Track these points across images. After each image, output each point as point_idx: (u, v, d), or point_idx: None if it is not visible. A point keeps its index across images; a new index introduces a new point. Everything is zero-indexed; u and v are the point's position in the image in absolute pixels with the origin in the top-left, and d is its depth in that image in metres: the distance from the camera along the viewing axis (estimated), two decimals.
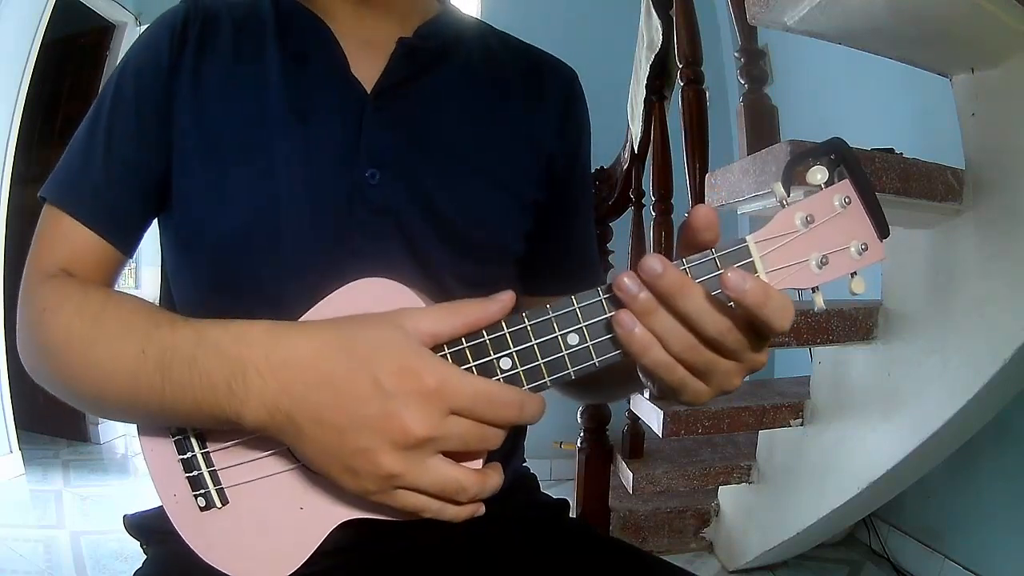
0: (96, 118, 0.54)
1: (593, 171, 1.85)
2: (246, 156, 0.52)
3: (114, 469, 2.71)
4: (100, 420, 2.96)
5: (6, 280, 2.17)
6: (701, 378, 0.40)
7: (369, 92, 0.55)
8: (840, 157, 0.41)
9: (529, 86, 0.63)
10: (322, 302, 0.45)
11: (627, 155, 1.78)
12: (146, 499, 0.50)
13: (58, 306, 0.47)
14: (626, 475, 1.68)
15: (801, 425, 1.48)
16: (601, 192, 1.83)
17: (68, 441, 2.95)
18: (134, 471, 2.68)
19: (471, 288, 0.56)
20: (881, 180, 1.06)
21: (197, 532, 0.46)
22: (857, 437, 1.35)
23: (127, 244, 0.55)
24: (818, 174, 0.40)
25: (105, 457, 2.86)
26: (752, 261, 0.40)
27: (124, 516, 0.60)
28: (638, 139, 1.71)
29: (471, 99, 0.59)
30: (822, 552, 1.81)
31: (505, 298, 0.41)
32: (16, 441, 2.51)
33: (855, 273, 0.41)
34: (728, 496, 1.78)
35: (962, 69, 1.14)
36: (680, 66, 1.47)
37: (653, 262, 0.37)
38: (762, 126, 1.41)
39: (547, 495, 0.68)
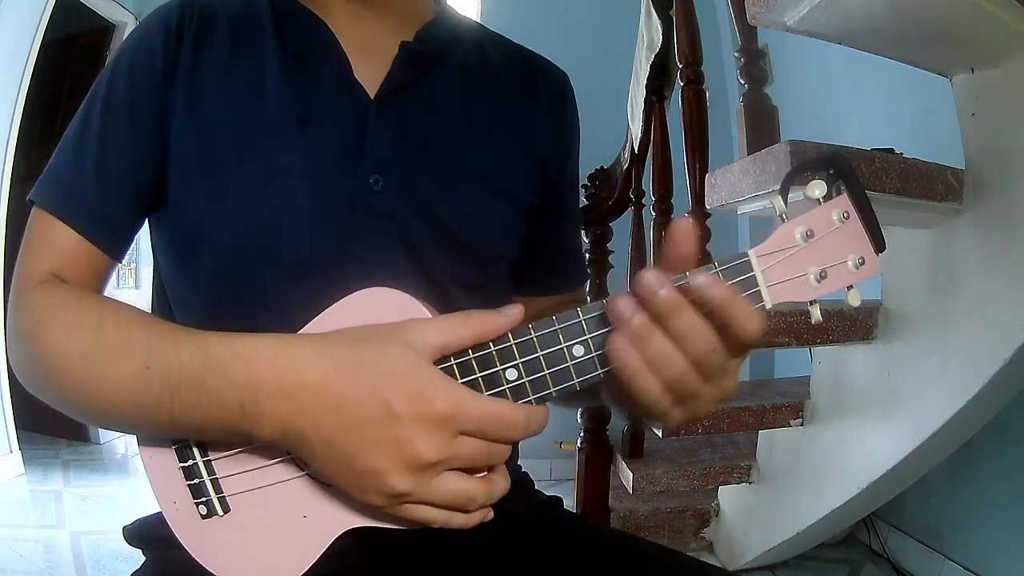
0: (87, 119, 0.52)
1: (593, 171, 1.87)
2: (245, 161, 0.51)
3: (114, 469, 2.71)
4: None
5: (5, 280, 2.17)
6: (681, 403, 0.41)
7: (372, 97, 0.54)
8: (839, 171, 0.42)
9: (523, 89, 0.63)
10: (326, 312, 0.45)
11: (627, 155, 1.78)
12: (146, 499, 0.50)
13: (53, 318, 0.45)
14: (626, 475, 1.68)
15: (801, 425, 1.48)
16: (601, 192, 1.83)
17: (68, 441, 2.95)
18: (134, 471, 2.68)
19: (470, 292, 0.56)
20: (881, 180, 1.06)
21: (198, 540, 0.46)
22: (857, 437, 1.35)
23: (118, 249, 0.54)
24: (816, 189, 0.41)
25: (105, 457, 2.86)
26: (753, 275, 0.41)
27: (123, 528, 0.59)
28: (638, 139, 1.71)
29: (469, 103, 0.59)
30: (822, 552, 1.81)
31: (513, 312, 0.41)
32: (16, 441, 2.51)
33: (851, 286, 0.42)
34: (728, 496, 1.78)
35: (962, 69, 1.14)
36: (680, 66, 1.47)
37: (651, 279, 0.38)
38: (762, 126, 1.41)
39: (541, 492, 0.68)
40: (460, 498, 0.40)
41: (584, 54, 2.52)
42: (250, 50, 0.54)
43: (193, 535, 0.46)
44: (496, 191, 0.58)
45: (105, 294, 0.52)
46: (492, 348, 0.41)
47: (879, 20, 1.01)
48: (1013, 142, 1.06)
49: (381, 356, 0.39)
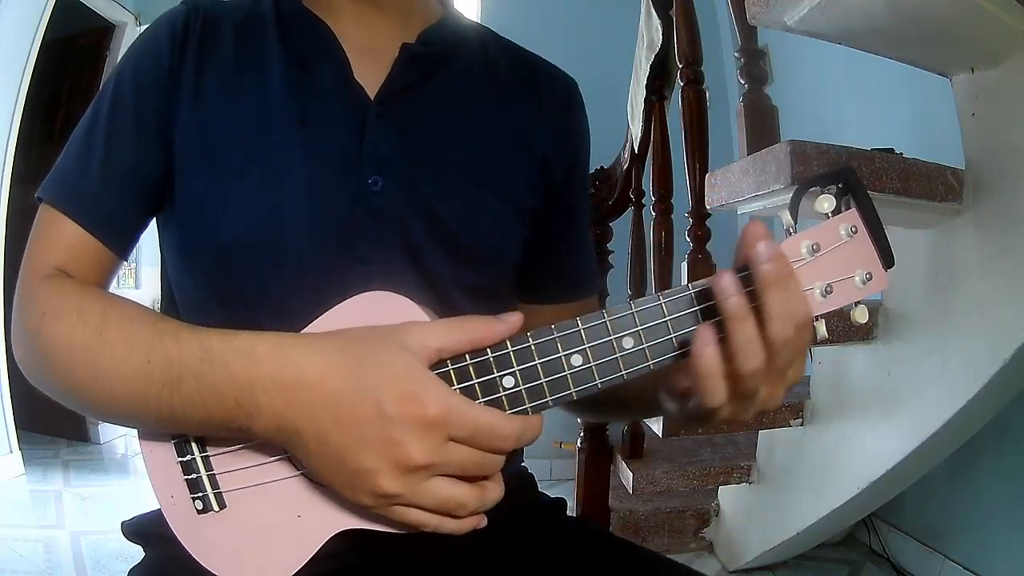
0: (95, 119, 0.53)
1: (593, 171, 1.87)
2: (248, 163, 0.51)
3: (114, 469, 2.71)
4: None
5: (6, 280, 2.17)
6: (742, 402, 0.41)
7: (372, 98, 0.54)
8: (847, 186, 0.41)
9: (528, 94, 0.63)
10: (327, 314, 0.45)
11: (627, 155, 1.78)
12: (146, 499, 0.50)
13: (58, 312, 0.46)
14: (626, 475, 1.68)
15: (801, 425, 1.48)
16: (601, 192, 1.83)
17: (68, 441, 2.95)
18: (134, 471, 2.68)
19: (471, 296, 0.56)
20: (881, 180, 1.06)
21: (193, 535, 0.46)
22: (857, 437, 1.35)
23: (123, 247, 0.54)
24: (825, 203, 0.41)
25: (105, 457, 2.86)
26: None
27: (122, 523, 0.59)
28: (638, 139, 1.72)
29: (471, 106, 0.59)
30: (822, 552, 1.81)
31: (513, 319, 0.41)
32: (16, 441, 2.51)
33: (859, 302, 0.41)
34: (728, 496, 1.78)
35: (962, 69, 1.14)
36: (680, 66, 1.47)
37: (763, 247, 0.38)
38: (762, 126, 1.41)
39: (544, 494, 0.68)
40: (450, 503, 0.40)
41: (584, 54, 2.52)
42: (254, 53, 0.55)
43: (189, 530, 0.46)
44: (496, 193, 0.58)
45: (112, 292, 0.53)
46: (489, 355, 0.41)
47: (879, 20, 1.01)
48: (1013, 142, 1.06)
49: (377, 357, 0.40)
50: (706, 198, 1.34)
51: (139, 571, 0.56)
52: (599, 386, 0.41)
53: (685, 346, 0.40)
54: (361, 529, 0.44)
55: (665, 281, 1.52)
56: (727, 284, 0.38)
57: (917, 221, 1.19)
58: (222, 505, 0.46)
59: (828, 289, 0.40)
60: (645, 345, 0.40)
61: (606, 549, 0.59)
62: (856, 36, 1.10)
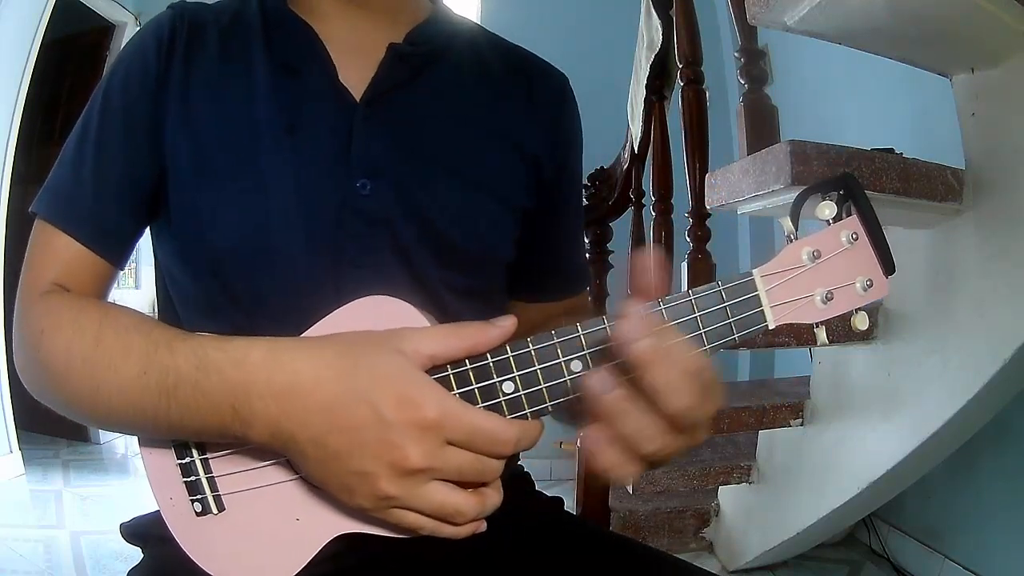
0: (85, 130, 0.53)
1: (593, 171, 1.87)
2: (237, 171, 0.51)
3: (114, 469, 2.71)
4: None
5: (6, 280, 2.17)
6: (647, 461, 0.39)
7: (359, 100, 0.54)
8: (849, 193, 0.41)
9: (519, 90, 0.62)
10: (327, 318, 0.45)
11: (627, 155, 1.78)
12: (146, 499, 0.50)
13: (56, 327, 0.46)
14: None
15: (801, 425, 1.48)
16: (601, 192, 1.84)
17: (68, 441, 2.95)
18: (134, 471, 2.68)
19: (463, 297, 0.56)
20: (881, 180, 1.06)
21: (192, 537, 0.46)
22: (857, 437, 1.35)
23: (119, 257, 0.55)
24: (826, 209, 0.40)
25: (105, 457, 2.86)
26: (757, 295, 0.40)
27: (121, 524, 0.59)
28: (638, 139, 1.72)
29: (461, 104, 0.59)
30: (822, 552, 1.81)
31: (507, 324, 0.41)
32: (16, 441, 2.51)
33: (859, 309, 0.41)
34: (728, 496, 1.78)
35: (962, 69, 1.14)
36: (680, 66, 1.47)
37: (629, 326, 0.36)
38: (762, 126, 1.41)
39: (542, 493, 0.68)
40: (447, 509, 0.40)
41: (584, 54, 2.52)
42: (240, 58, 0.55)
43: (187, 532, 0.46)
44: (487, 192, 0.57)
45: (108, 300, 0.53)
46: (489, 360, 0.41)
47: (879, 20, 1.00)
48: (1013, 142, 1.06)
49: (372, 361, 0.39)
50: (706, 198, 1.34)
51: (138, 572, 0.56)
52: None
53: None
54: (361, 533, 0.44)
55: None
56: (600, 381, 0.36)
57: (917, 221, 1.19)
58: (221, 508, 0.46)
59: (829, 296, 0.40)
60: None
61: (605, 546, 0.59)
62: (856, 36, 1.10)
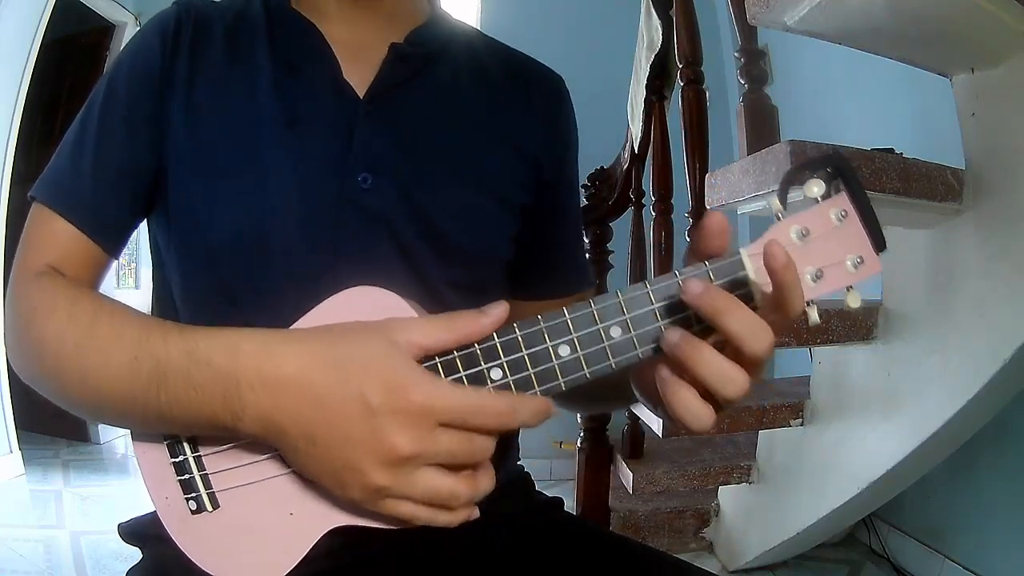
0: (87, 120, 0.54)
1: (593, 171, 1.87)
2: (239, 164, 0.52)
3: (114, 469, 2.71)
4: None
5: (5, 278, 2.17)
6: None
7: (361, 97, 0.55)
8: (837, 170, 0.40)
9: (515, 92, 0.63)
10: (314, 310, 0.45)
11: (627, 155, 1.78)
12: (146, 499, 0.50)
13: (50, 309, 0.46)
14: (626, 475, 1.68)
15: (801, 425, 1.48)
16: (601, 192, 1.83)
17: (68, 441, 2.95)
18: (134, 471, 2.67)
19: (462, 293, 0.56)
20: (881, 180, 1.06)
21: (188, 535, 0.46)
22: (857, 437, 1.35)
23: (115, 246, 0.55)
24: (815, 187, 0.40)
25: (105, 457, 2.86)
26: (746, 273, 0.40)
27: (119, 525, 0.59)
28: (638, 139, 1.71)
29: (459, 104, 0.60)
30: (822, 552, 1.81)
31: (497, 311, 0.41)
32: (16, 441, 2.51)
33: (851, 287, 0.40)
34: (728, 496, 1.78)
35: (962, 69, 1.14)
36: (680, 66, 1.47)
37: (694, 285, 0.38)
38: (762, 126, 1.41)
39: (542, 493, 0.68)
40: (442, 494, 0.40)
41: (584, 54, 2.52)
42: (244, 55, 0.55)
43: (183, 530, 0.46)
44: (485, 190, 0.58)
45: (103, 292, 0.53)
46: (476, 347, 0.41)
47: (879, 20, 1.01)
48: (1013, 142, 1.06)
49: (361, 351, 0.40)
50: (706, 198, 1.34)
51: (137, 572, 0.56)
52: (588, 376, 0.41)
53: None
54: (356, 529, 0.44)
55: None
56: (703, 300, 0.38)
57: (917, 221, 1.19)
58: (215, 505, 0.46)
59: (819, 274, 0.40)
60: (633, 334, 0.40)
61: (604, 546, 0.59)
62: (856, 36, 1.10)
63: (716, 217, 0.40)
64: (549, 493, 0.68)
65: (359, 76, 0.55)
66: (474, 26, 0.67)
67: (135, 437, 0.48)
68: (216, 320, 0.45)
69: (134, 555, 0.59)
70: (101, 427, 2.97)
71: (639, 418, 1.68)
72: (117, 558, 1.79)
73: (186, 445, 0.46)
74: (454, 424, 0.39)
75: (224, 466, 0.46)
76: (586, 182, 1.85)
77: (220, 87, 0.54)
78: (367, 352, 0.39)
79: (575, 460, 1.76)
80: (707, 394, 0.39)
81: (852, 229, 0.40)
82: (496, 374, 0.41)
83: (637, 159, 1.75)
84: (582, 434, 1.74)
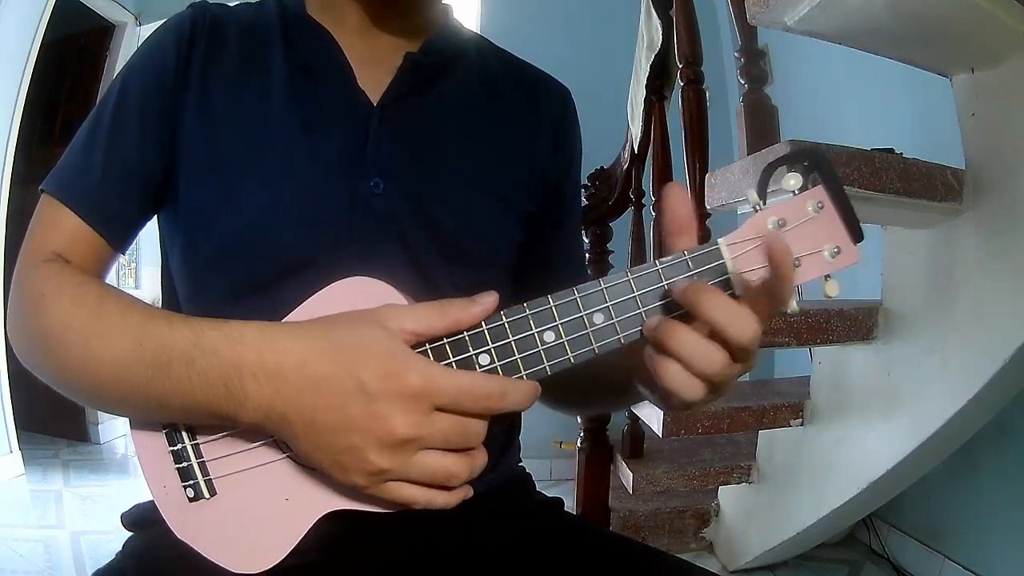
0: (100, 117, 0.55)
1: (593, 171, 1.87)
2: (251, 166, 0.53)
3: (114, 469, 2.71)
4: (100, 420, 2.96)
5: (5, 278, 2.17)
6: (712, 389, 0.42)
7: (375, 104, 0.56)
8: (814, 164, 0.42)
9: (524, 102, 0.65)
10: (309, 300, 0.46)
11: (627, 155, 1.78)
12: (146, 498, 0.50)
13: (56, 294, 0.47)
14: (626, 475, 1.68)
15: (801, 425, 1.48)
16: (601, 192, 1.83)
17: (68, 441, 2.95)
18: (134, 471, 2.68)
19: (466, 295, 0.57)
20: (881, 180, 1.06)
21: (186, 523, 0.47)
22: (857, 437, 1.35)
23: (121, 241, 0.56)
24: (792, 180, 0.41)
25: (105, 457, 2.86)
26: (724, 263, 0.41)
27: (121, 515, 0.60)
28: (638, 139, 1.71)
29: (470, 113, 0.61)
30: (822, 552, 1.81)
31: (488, 300, 0.42)
32: (16, 441, 2.51)
33: (829, 276, 0.42)
34: (728, 496, 1.78)
35: (962, 69, 1.15)
36: (680, 66, 1.47)
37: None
38: (762, 126, 1.41)
39: (542, 493, 0.68)
40: (441, 474, 0.41)
41: (584, 54, 2.52)
42: (258, 59, 0.56)
43: (181, 518, 0.47)
44: (494, 197, 0.59)
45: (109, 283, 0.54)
46: (465, 334, 0.42)
47: (879, 20, 1.01)
48: (1013, 142, 1.06)
49: (357, 338, 0.41)
50: (706, 198, 1.34)
51: (129, 551, 0.57)
52: (572, 360, 0.42)
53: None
54: (353, 521, 0.45)
55: None
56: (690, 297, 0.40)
57: (917, 221, 1.19)
58: (212, 492, 0.46)
59: (796, 263, 0.41)
60: (615, 320, 0.42)
61: (604, 546, 0.59)
62: (856, 36, 1.11)
63: (674, 186, 0.42)
64: (549, 493, 0.68)
65: (373, 83, 0.56)
66: (481, 34, 0.69)
67: (133, 426, 0.48)
68: (221, 316, 0.45)
69: None
70: (101, 427, 2.97)
71: (639, 418, 1.68)
72: None
73: (184, 433, 0.46)
74: (449, 408, 0.40)
75: (221, 453, 0.46)
76: (586, 182, 1.85)
77: (234, 89, 0.55)
78: (363, 339, 0.40)
79: (575, 460, 1.76)
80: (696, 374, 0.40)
81: (828, 219, 0.42)
82: (484, 360, 0.42)
83: (637, 159, 1.75)
84: (582, 434, 1.74)
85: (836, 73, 2.16)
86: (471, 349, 0.42)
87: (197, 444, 0.46)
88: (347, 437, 0.40)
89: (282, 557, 0.45)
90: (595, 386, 0.62)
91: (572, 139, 0.69)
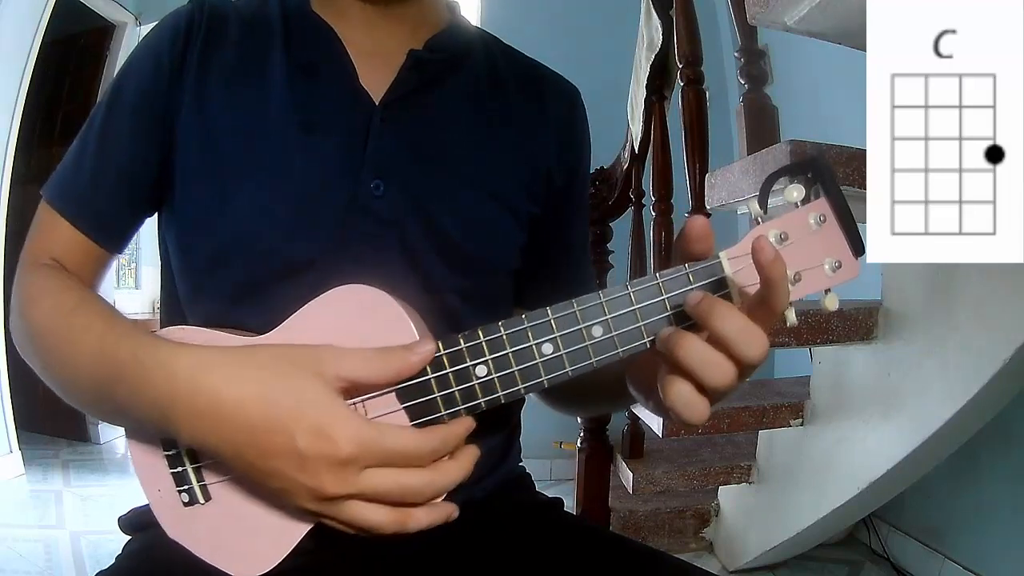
0: (93, 119, 0.55)
1: (593, 171, 1.86)
2: (250, 166, 0.52)
3: (114, 469, 2.71)
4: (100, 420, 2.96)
5: (6, 279, 2.17)
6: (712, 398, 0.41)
7: (377, 103, 0.55)
8: (817, 175, 0.41)
9: (532, 103, 0.63)
10: (303, 308, 0.45)
11: (627, 155, 1.78)
12: (143, 503, 0.50)
13: (42, 296, 0.50)
14: (626, 475, 1.68)
15: (801, 425, 1.48)
16: (601, 192, 1.83)
17: (68, 441, 2.96)
18: (134, 471, 2.68)
19: (468, 300, 0.57)
20: None
21: (181, 528, 0.47)
22: (857, 437, 1.35)
23: (116, 243, 0.56)
24: (794, 192, 0.41)
25: (105, 457, 2.86)
26: (724, 277, 0.41)
27: (119, 518, 0.60)
28: (638, 139, 1.71)
29: (474, 113, 0.59)
30: (822, 552, 1.81)
31: (425, 349, 0.41)
32: (16, 441, 2.51)
33: (829, 290, 0.41)
34: (728, 496, 1.78)
35: None
36: (680, 66, 1.47)
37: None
38: (762, 126, 1.41)
39: (541, 493, 0.68)
40: (394, 493, 0.40)
41: (584, 54, 2.52)
42: (259, 56, 0.55)
43: (176, 523, 0.47)
44: (497, 200, 0.58)
45: (100, 293, 0.55)
46: (462, 344, 0.42)
47: None
48: None
49: (290, 384, 0.40)
50: (706, 198, 1.34)
51: (135, 546, 0.57)
52: (570, 373, 0.42)
53: (653, 334, 0.41)
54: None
55: None
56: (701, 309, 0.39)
57: None
58: (207, 497, 0.46)
59: (797, 277, 0.41)
60: (614, 333, 0.41)
61: (604, 546, 0.59)
62: (856, 36, 1.10)
63: (699, 221, 0.41)
64: (549, 493, 0.68)
65: (375, 81, 0.55)
66: (488, 19, 0.67)
67: (128, 432, 0.49)
68: (221, 320, 0.45)
69: None
70: (101, 427, 2.97)
71: (639, 418, 1.68)
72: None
73: None
74: (383, 465, 0.40)
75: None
76: None
77: (232, 85, 0.54)
78: (295, 385, 0.40)
79: (575, 460, 1.76)
80: (702, 388, 0.39)
81: (830, 233, 0.41)
82: (481, 371, 0.42)
83: (637, 159, 1.75)
84: (582, 434, 1.74)
85: (836, 73, 2.16)
86: (468, 360, 0.42)
87: (192, 449, 0.46)
88: (279, 482, 0.40)
89: (279, 561, 0.45)
90: (595, 389, 0.61)
91: (579, 140, 0.67)
